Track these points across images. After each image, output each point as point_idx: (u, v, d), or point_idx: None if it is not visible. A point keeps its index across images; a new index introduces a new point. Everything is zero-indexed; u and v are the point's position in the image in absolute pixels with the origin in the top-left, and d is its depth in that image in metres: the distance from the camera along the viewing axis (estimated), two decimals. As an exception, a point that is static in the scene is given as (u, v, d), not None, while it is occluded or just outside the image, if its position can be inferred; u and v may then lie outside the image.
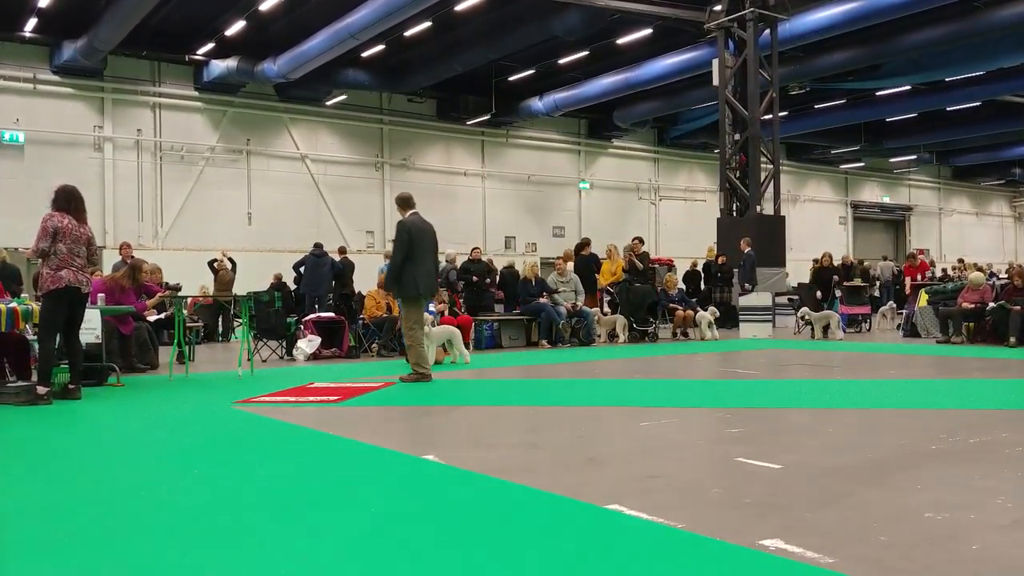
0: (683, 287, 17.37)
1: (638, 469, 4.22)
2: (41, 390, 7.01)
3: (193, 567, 2.75)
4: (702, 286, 19.45)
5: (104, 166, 21.93)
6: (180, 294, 12.27)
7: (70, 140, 21.52)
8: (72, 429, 5.99)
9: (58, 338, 7.40)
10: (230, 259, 17.64)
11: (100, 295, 9.02)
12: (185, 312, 11.15)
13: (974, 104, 27.32)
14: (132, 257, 12.70)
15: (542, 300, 13.39)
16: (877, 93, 26.70)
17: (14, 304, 7.74)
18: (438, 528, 3.19)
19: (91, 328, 8.05)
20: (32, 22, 19.83)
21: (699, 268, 20.42)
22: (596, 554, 2.84)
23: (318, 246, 17.01)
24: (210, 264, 17.77)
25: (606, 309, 15.39)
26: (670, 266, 20.93)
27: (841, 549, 2.81)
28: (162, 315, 11.45)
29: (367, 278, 18.11)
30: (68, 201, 7.41)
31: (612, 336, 14.30)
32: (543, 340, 13.24)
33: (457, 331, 10.71)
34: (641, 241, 16.45)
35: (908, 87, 25.71)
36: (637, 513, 3.30)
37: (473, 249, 15.89)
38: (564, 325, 13.37)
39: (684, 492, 3.74)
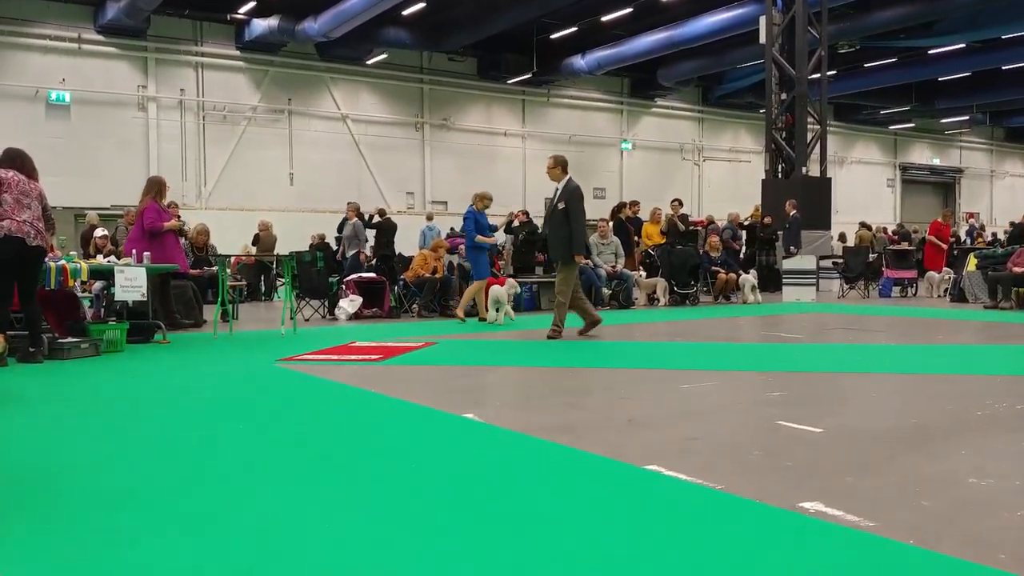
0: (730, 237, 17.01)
1: (678, 431, 4.21)
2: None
3: (242, 518, 2.81)
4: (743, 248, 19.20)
5: (148, 126, 22.19)
6: (223, 253, 12.44)
7: (115, 100, 21.78)
8: (119, 384, 6.13)
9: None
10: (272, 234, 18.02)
11: (146, 253, 9.15)
12: (228, 271, 11.30)
13: (1031, 63, 26.45)
14: (179, 217, 12.87)
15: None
16: (929, 51, 25.95)
17: (63, 262, 7.90)
18: (477, 486, 3.21)
19: (137, 287, 8.19)
20: (77, -18, 20.04)
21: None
22: (634, 514, 2.84)
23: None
24: (255, 237, 18.16)
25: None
26: (712, 228, 20.66)
27: (883, 514, 2.78)
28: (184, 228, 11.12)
29: (407, 240, 18.20)
30: (12, 160, 6.98)
31: (652, 299, 14.21)
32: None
33: (504, 292, 10.85)
34: (680, 203, 16.27)
35: (962, 45, 24.92)
36: (676, 474, 3.30)
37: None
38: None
39: (724, 454, 3.72)
